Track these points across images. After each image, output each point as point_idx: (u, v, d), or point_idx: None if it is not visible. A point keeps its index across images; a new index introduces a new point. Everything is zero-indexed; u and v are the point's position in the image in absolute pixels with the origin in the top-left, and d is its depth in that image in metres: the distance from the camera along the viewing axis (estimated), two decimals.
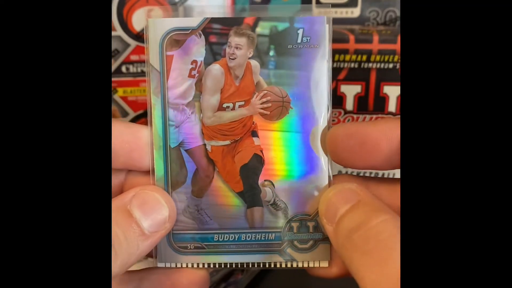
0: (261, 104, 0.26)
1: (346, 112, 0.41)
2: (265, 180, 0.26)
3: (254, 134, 0.26)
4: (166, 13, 0.28)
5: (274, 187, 0.26)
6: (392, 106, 0.40)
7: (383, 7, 0.45)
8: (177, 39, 0.26)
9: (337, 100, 0.40)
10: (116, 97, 0.49)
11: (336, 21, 0.47)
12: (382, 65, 0.39)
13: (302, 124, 0.26)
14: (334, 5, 0.46)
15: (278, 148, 0.26)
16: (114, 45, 0.51)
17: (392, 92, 0.40)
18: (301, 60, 0.26)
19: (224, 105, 0.26)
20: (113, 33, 0.51)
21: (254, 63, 0.26)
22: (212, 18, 0.28)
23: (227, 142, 0.27)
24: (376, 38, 0.38)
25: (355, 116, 0.40)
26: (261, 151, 0.26)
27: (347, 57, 0.39)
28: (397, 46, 0.38)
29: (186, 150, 0.26)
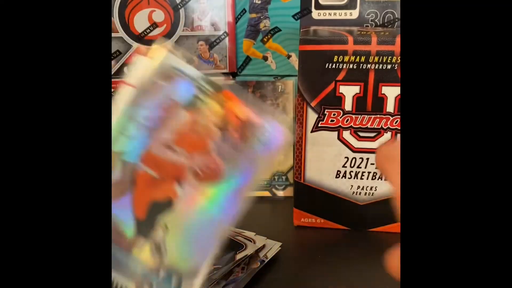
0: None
1: (345, 112, 0.41)
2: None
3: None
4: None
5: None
6: (390, 106, 0.40)
7: (382, 9, 0.45)
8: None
9: (336, 100, 0.41)
10: None
11: (335, 23, 0.47)
12: (381, 66, 0.39)
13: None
14: (333, 7, 0.46)
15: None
16: (116, 46, 0.51)
17: (391, 92, 0.40)
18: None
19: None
20: (115, 35, 0.52)
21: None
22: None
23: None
24: (374, 39, 0.39)
25: (353, 116, 0.41)
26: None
27: (346, 58, 0.39)
28: (395, 47, 0.39)
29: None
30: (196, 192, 0.27)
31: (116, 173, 0.27)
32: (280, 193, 0.53)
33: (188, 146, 0.27)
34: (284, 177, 0.52)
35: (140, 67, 0.28)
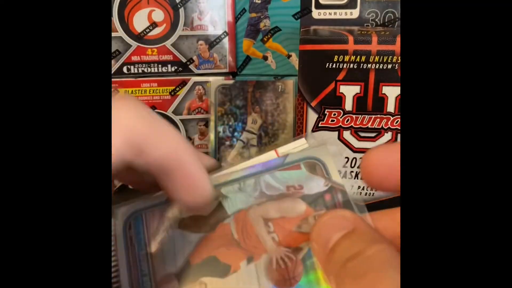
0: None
1: (345, 112, 0.41)
2: None
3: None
4: None
5: None
6: (391, 106, 0.40)
7: (382, 8, 0.45)
8: None
9: (336, 100, 0.40)
10: None
11: (335, 22, 0.47)
12: (381, 65, 0.39)
13: None
14: (334, 6, 0.46)
15: None
16: (115, 46, 0.51)
17: (391, 92, 0.40)
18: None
19: None
20: (114, 34, 0.51)
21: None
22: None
23: None
24: (375, 39, 0.39)
25: (354, 116, 0.41)
26: None
27: (346, 58, 0.39)
28: (396, 47, 0.39)
29: None
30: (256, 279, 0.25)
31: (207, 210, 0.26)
32: None
33: (282, 235, 0.26)
34: None
35: (296, 146, 0.27)
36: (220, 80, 0.53)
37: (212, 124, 0.53)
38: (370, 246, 0.21)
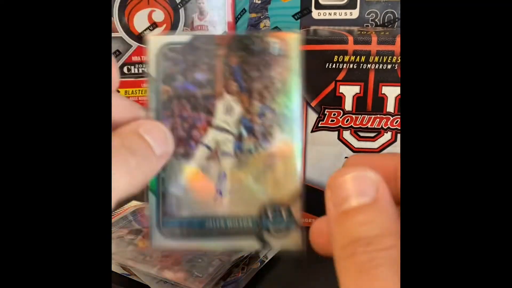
0: None
1: (345, 112, 0.41)
2: None
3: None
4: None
5: None
6: (390, 106, 0.40)
7: (382, 8, 0.45)
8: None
9: (336, 100, 0.40)
10: None
11: (335, 23, 0.47)
12: (381, 66, 0.39)
13: None
14: (334, 7, 0.46)
15: None
16: (116, 46, 0.51)
17: (391, 92, 0.40)
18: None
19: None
20: (115, 35, 0.51)
21: None
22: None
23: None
24: (374, 39, 0.39)
25: (354, 116, 0.41)
26: None
27: (346, 58, 0.39)
28: (395, 47, 0.39)
29: None
30: None
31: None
32: (276, 243, 0.28)
33: None
34: (284, 212, 0.28)
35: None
36: (165, 36, 0.29)
37: (151, 116, 0.28)
38: (385, 237, 0.20)
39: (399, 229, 0.20)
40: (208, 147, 0.28)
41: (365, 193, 0.21)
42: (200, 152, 0.28)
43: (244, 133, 0.28)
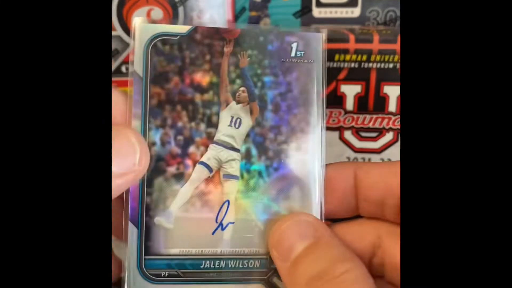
0: None
1: (346, 112, 0.40)
2: None
3: None
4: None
5: None
6: (392, 106, 0.40)
7: (383, 7, 0.45)
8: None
9: (337, 100, 0.40)
10: None
11: (336, 21, 0.47)
12: (382, 65, 0.39)
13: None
14: (334, 5, 0.46)
15: None
16: (114, 45, 0.51)
17: (392, 92, 0.40)
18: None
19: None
20: (113, 33, 0.51)
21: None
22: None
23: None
24: (376, 38, 0.38)
25: (355, 116, 0.40)
26: None
27: (347, 57, 0.39)
28: (397, 46, 0.38)
29: None
30: None
31: None
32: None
33: None
34: None
35: None
36: (157, 24, 0.24)
37: (136, 125, 0.24)
38: (336, 265, 0.20)
39: (351, 255, 0.21)
40: (208, 167, 0.23)
41: (306, 236, 0.21)
42: (197, 173, 0.23)
43: (254, 150, 0.23)
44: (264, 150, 0.23)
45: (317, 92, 0.23)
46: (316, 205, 0.23)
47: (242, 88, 0.23)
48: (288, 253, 0.22)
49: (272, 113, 0.23)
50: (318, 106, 0.23)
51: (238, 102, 0.23)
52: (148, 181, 0.23)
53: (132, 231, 0.22)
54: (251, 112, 0.23)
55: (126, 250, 0.22)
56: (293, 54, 0.23)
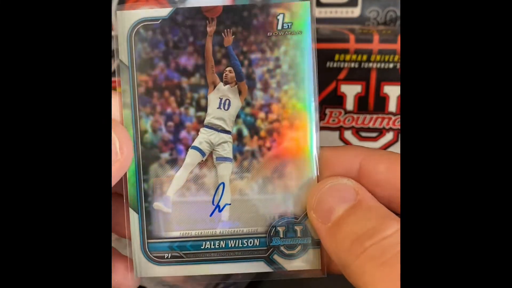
0: None
1: (346, 112, 0.40)
2: None
3: None
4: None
5: None
6: (392, 106, 0.40)
7: (383, 6, 0.45)
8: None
9: (337, 100, 0.40)
10: None
11: (336, 21, 0.47)
12: (383, 65, 0.39)
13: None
14: (334, 5, 0.46)
15: None
16: (113, 44, 0.51)
17: (393, 92, 0.40)
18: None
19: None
20: (113, 33, 0.51)
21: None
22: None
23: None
24: (376, 37, 0.38)
25: (355, 116, 0.40)
26: None
27: (347, 57, 0.39)
28: (397, 46, 0.38)
29: None
30: None
31: None
32: (289, 264, 0.24)
33: None
34: (298, 228, 0.24)
35: None
36: (137, 10, 0.24)
37: (126, 114, 0.24)
38: (389, 225, 0.19)
39: (395, 216, 0.20)
40: (200, 151, 0.23)
41: (345, 199, 0.21)
42: (190, 158, 0.23)
43: (245, 131, 0.23)
44: (256, 130, 0.23)
45: (307, 65, 0.22)
46: (313, 183, 0.23)
47: (228, 68, 0.22)
48: (328, 215, 0.21)
49: (261, 91, 0.23)
50: (309, 80, 0.22)
51: (225, 83, 0.23)
52: (143, 168, 0.23)
53: (133, 217, 0.23)
54: (240, 92, 0.23)
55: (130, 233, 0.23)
56: (279, 27, 0.22)
